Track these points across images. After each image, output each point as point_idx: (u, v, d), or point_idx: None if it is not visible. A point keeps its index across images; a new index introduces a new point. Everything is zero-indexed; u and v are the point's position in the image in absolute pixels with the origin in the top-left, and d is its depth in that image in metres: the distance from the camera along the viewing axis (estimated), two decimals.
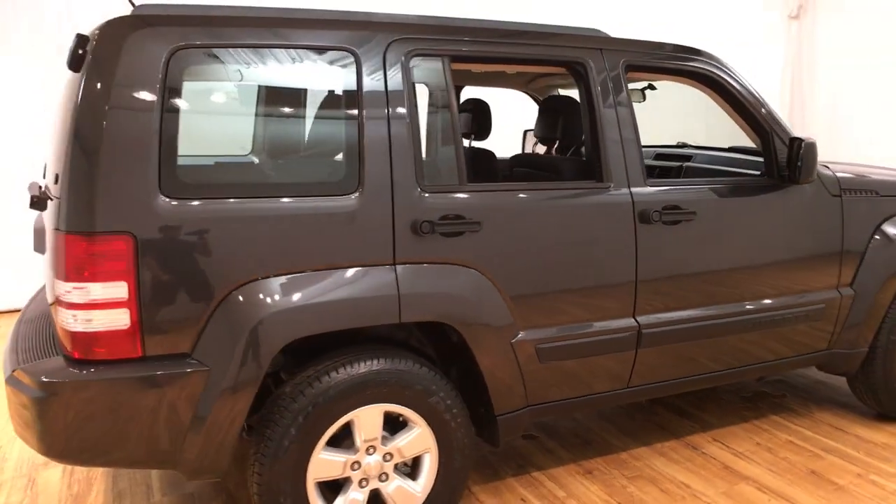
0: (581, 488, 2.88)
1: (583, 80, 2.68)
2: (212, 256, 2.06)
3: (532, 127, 4.38)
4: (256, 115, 2.73)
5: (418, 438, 2.38)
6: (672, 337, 2.80)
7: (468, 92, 4.07)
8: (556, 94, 4.19)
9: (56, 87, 2.48)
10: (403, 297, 2.26)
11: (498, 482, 2.93)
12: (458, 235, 2.36)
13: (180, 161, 2.05)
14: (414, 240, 2.30)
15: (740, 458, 3.12)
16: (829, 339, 3.22)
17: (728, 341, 2.95)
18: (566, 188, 2.60)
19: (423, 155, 2.37)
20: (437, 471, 2.42)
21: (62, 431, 1.98)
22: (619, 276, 2.65)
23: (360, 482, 2.33)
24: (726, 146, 3.81)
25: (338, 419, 2.24)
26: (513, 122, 4.74)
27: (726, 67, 2.97)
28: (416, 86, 2.40)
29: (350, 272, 2.22)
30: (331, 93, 2.41)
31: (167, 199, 2.02)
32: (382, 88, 2.29)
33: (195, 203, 2.05)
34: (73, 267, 1.95)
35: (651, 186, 2.72)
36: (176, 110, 2.04)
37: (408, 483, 2.41)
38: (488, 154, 3.40)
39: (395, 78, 2.31)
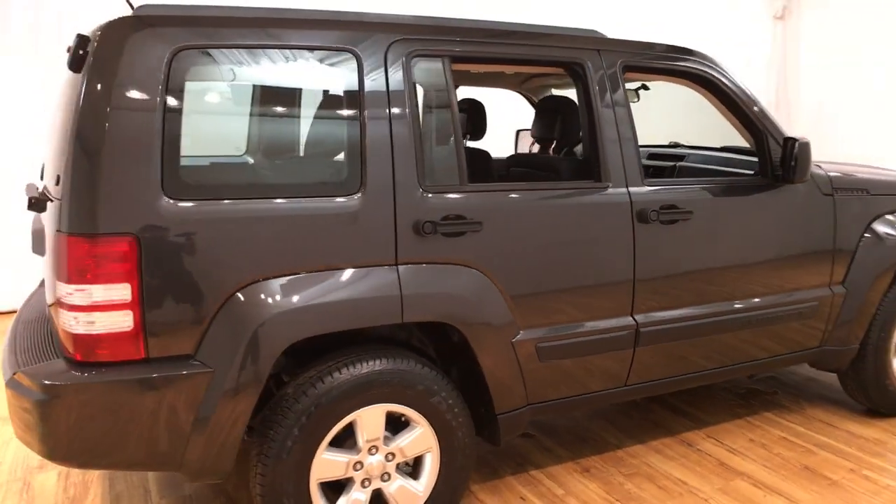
0: (579, 486, 2.90)
1: (581, 81, 2.70)
2: (215, 258, 2.05)
3: (524, 127, 4.41)
4: (256, 115, 2.72)
5: (420, 438, 2.38)
6: (669, 335, 2.83)
7: (462, 92, 4.07)
8: (551, 94, 4.21)
9: (56, 87, 2.46)
10: (406, 297, 2.27)
11: (497, 481, 2.94)
12: (460, 235, 2.37)
13: (183, 162, 2.04)
14: (416, 240, 2.31)
15: (735, 455, 3.16)
16: (821, 337, 3.27)
17: (724, 339, 2.99)
18: (565, 188, 2.62)
19: (425, 155, 2.37)
20: (439, 470, 2.43)
21: (65, 434, 1.96)
22: (618, 275, 2.68)
23: (363, 482, 2.34)
24: (717, 146, 3.84)
25: (340, 419, 2.24)
26: (506, 122, 4.75)
27: (720, 68, 3.00)
28: (417, 86, 2.41)
29: (353, 272, 2.23)
30: (333, 93, 2.41)
31: (170, 200, 2.01)
32: (384, 89, 2.29)
33: (198, 204, 2.04)
34: (75, 269, 1.94)
35: (648, 186, 2.75)
36: (178, 111, 2.03)
37: (410, 483, 2.42)
38: (484, 154, 3.40)
39: (397, 78, 2.32)
